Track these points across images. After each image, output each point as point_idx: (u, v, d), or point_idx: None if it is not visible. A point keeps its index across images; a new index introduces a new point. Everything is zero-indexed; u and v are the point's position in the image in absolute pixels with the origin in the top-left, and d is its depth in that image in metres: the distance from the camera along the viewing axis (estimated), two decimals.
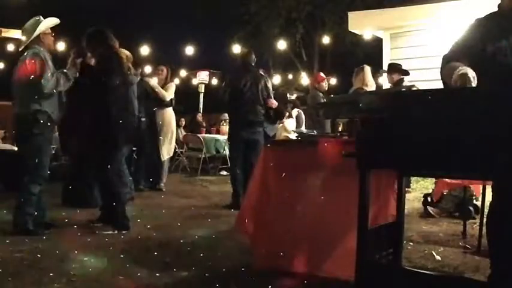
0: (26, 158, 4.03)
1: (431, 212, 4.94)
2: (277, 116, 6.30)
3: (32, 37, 4.07)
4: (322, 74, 7.61)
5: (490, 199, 2.31)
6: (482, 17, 2.36)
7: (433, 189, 5.15)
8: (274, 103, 5.84)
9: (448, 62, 2.28)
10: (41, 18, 4.16)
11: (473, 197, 4.69)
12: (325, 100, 6.86)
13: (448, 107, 1.88)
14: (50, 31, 4.20)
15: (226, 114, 10.15)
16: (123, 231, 4.13)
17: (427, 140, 1.89)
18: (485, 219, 3.80)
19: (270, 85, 5.89)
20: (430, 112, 1.91)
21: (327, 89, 7.17)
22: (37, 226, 4.03)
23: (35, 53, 4.02)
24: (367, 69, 6.50)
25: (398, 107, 2.05)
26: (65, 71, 4.15)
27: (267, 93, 5.77)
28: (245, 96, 5.64)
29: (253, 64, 5.86)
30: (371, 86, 6.34)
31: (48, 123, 4.06)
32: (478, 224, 3.97)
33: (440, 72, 2.34)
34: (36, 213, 4.03)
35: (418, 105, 1.98)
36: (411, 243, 3.76)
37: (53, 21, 4.24)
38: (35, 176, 4.01)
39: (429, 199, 5.08)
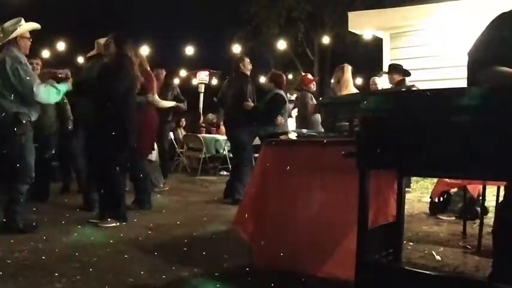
0: (12, 159, 4.07)
1: (442, 218, 4.84)
2: (265, 116, 6.12)
3: (9, 38, 4.11)
4: (309, 76, 7.60)
5: (490, 199, 2.31)
6: (509, 11, 2.28)
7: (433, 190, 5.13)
8: (247, 105, 6.02)
9: (485, 66, 2.13)
10: (22, 21, 4.21)
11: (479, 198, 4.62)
12: (314, 100, 6.91)
13: (449, 107, 1.88)
14: (28, 35, 4.24)
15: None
16: (124, 223, 4.42)
17: (427, 140, 1.89)
18: (485, 219, 3.82)
19: (246, 88, 6.07)
20: (431, 112, 1.91)
21: (315, 89, 7.20)
22: (26, 225, 4.09)
23: (14, 58, 4.05)
24: (347, 68, 6.47)
25: (398, 106, 2.05)
26: (55, 84, 4.23)
27: (242, 95, 6.03)
28: (227, 99, 6.20)
29: (241, 68, 6.16)
30: (347, 87, 6.35)
31: (29, 123, 4.12)
32: (478, 224, 3.96)
33: (472, 74, 2.21)
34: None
35: (419, 105, 1.98)
36: (411, 243, 3.76)
37: (33, 25, 4.29)
38: (22, 175, 4.08)
39: (436, 200, 5.02)
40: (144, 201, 5.30)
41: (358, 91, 6.70)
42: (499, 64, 2.12)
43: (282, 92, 6.30)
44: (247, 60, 6.34)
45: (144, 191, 5.34)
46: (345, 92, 6.24)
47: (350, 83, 6.44)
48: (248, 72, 6.27)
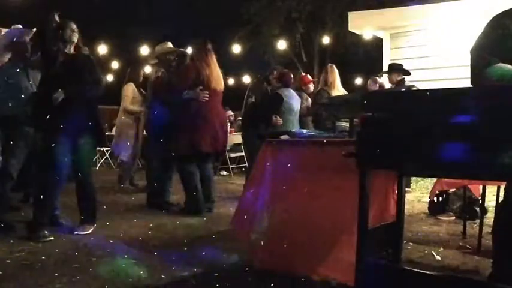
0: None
1: (441, 219, 4.82)
2: (263, 117, 6.21)
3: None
4: (309, 76, 7.55)
5: (490, 199, 2.31)
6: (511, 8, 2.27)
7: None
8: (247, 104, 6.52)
9: (491, 63, 2.16)
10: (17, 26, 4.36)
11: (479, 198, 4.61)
12: (308, 101, 6.89)
13: (449, 107, 1.88)
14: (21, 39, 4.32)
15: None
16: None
17: (427, 140, 1.89)
18: (485, 220, 3.82)
19: (249, 90, 6.67)
20: (431, 112, 1.91)
21: (312, 90, 7.19)
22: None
23: None
24: (331, 69, 6.57)
25: (398, 106, 2.05)
26: None
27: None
28: None
29: (273, 74, 6.50)
30: (334, 88, 6.38)
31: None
32: (478, 224, 3.96)
33: (476, 72, 2.22)
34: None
35: (419, 105, 1.98)
36: (411, 243, 3.76)
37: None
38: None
39: (435, 199, 5.00)
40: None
41: (345, 91, 6.68)
42: (505, 60, 2.12)
43: (281, 91, 6.06)
44: (283, 71, 6.46)
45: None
46: (333, 93, 6.25)
47: (336, 83, 6.46)
48: (274, 80, 6.38)
